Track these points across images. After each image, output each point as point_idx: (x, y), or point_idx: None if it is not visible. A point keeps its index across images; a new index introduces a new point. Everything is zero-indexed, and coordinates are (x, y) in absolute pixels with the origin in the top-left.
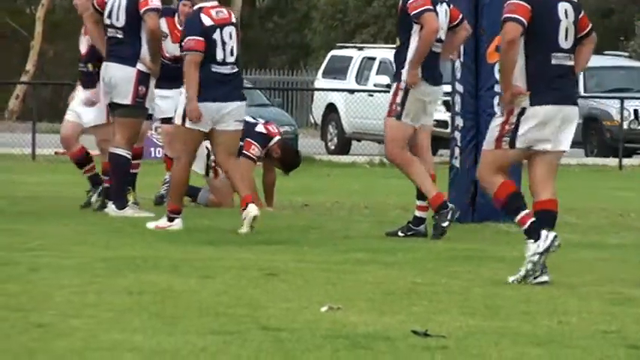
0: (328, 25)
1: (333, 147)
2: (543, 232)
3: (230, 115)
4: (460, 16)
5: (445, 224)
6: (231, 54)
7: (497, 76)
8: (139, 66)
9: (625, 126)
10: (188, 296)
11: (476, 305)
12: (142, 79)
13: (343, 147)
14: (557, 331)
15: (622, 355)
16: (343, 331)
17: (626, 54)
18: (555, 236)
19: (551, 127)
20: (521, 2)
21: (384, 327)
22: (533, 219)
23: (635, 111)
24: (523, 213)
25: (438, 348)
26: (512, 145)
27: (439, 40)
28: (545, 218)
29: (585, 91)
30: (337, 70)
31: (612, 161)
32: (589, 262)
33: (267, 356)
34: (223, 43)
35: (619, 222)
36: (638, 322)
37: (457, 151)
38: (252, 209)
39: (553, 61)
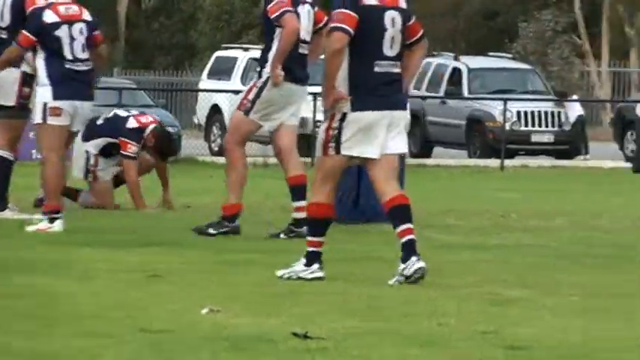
0: (214, 26)
1: (216, 148)
2: (315, 266)
3: (81, 115)
4: (325, 19)
5: (211, 231)
6: (83, 50)
7: None
8: (24, 67)
9: (507, 127)
10: (67, 299)
11: (357, 306)
12: (27, 80)
13: None
14: (437, 332)
15: (500, 355)
16: (223, 333)
17: (510, 55)
18: (321, 277)
19: (378, 134)
20: (349, 12)
21: (264, 329)
22: (320, 250)
23: (518, 112)
24: (317, 239)
25: (318, 350)
26: (337, 151)
27: (304, 42)
28: (400, 214)
29: (469, 93)
30: (222, 71)
31: (494, 162)
32: (470, 263)
33: (144, 359)
34: (72, 40)
35: (501, 223)
36: (517, 322)
37: None
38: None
39: (376, 69)
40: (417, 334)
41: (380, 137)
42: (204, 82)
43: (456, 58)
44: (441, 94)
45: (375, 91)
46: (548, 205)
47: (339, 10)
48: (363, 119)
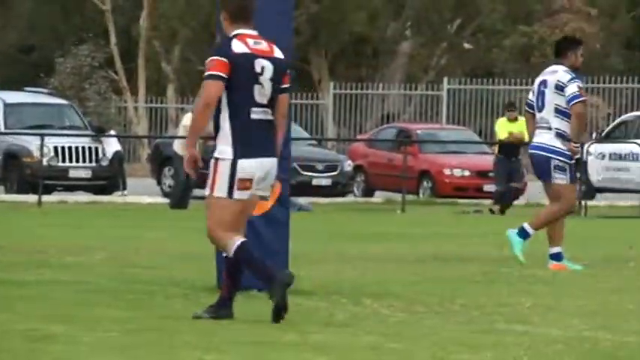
0: None
1: None
2: None
3: None
4: None
5: None
6: None
7: None
8: None
9: (45, 162)
10: None
11: None
12: None
13: None
14: None
15: None
16: None
17: (47, 90)
18: None
19: None
20: None
21: None
22: None
23: (55, 147)
24: None
25: None
26: None
27: None
28: None
29: (6, 127)
30: None
31: (32, 198)
32: (7, 299)
33: None
34: None
35: (39, 259)
36: (56, 359)
37: None
38: None
39: None
40: None
41: None
42: None
43: None
44: None
45: None
46: (87, 240)
47: None
48: None
